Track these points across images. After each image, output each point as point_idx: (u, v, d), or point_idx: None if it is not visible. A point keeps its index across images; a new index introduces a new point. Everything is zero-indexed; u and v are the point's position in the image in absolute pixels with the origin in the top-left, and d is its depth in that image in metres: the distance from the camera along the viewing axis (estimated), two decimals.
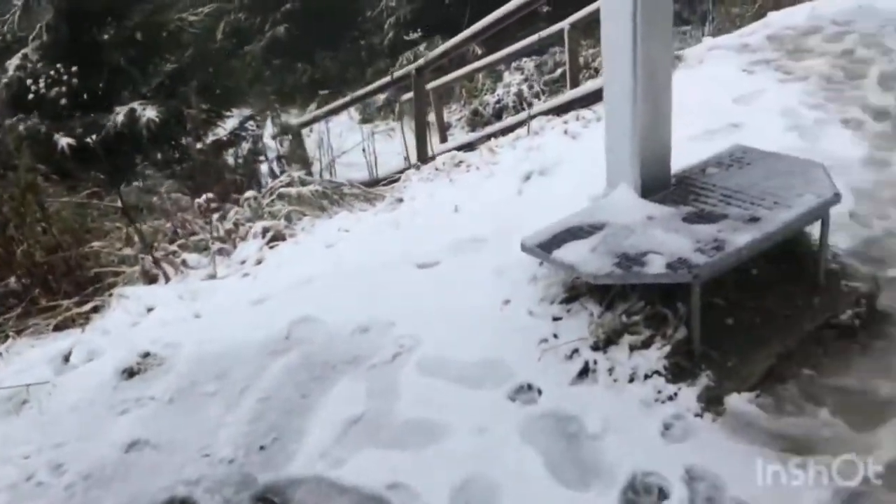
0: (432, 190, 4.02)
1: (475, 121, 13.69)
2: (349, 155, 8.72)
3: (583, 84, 7.24)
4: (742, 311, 2.42)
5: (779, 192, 2.47)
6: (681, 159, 3.02)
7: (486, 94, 13.89)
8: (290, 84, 17.16)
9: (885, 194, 3.24)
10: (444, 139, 10.77)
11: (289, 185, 4.22)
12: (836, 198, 2.43)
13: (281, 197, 4.14)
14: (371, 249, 3.28)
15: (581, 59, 10.93)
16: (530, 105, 11.29)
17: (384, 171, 7.86)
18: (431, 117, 11.87)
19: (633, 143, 2.51)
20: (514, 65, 12.68)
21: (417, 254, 3.13)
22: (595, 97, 5.51)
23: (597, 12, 8.12)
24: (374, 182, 8.48)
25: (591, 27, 8.84)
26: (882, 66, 4.69)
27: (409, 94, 10.50)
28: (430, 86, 10.01)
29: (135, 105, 7.13)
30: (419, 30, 15.28)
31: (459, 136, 12.52)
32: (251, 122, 9.40)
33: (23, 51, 7.63)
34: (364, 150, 7.25)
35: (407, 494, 1.97)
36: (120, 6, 7.99)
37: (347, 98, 9.85)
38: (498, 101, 12.65)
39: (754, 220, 2.35)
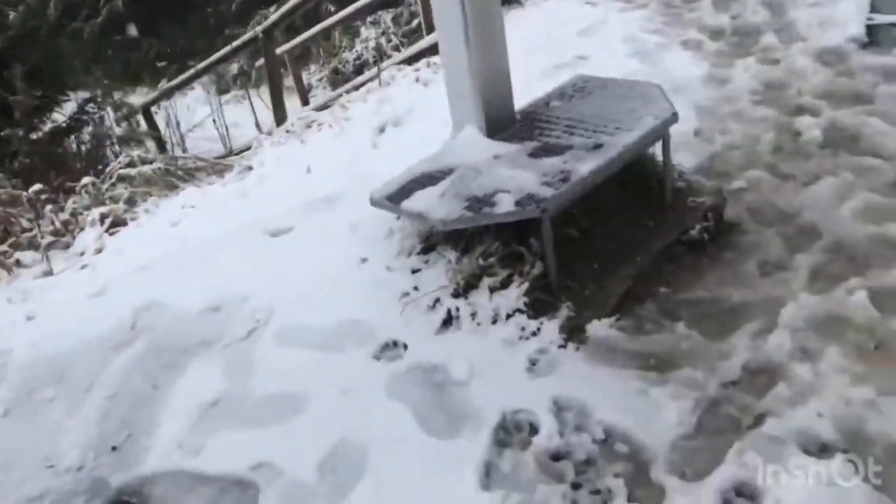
0: (283, 154, 3.84)
1: (336, 80, 13.34)
2: (208, 129, 8.32)
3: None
4: (596, 238, 2.42)
5: (620, 117, 2.48)
6: (530, 96, 3.01)
7: (344, 51, 13.59)
8: (136, 61, 16.16)
9: (725, 110, 3.34)
10: (305, 102, 10.41)
11: (129, 165, 3.91)
12: (674, 117, 2.45)
13: (122, 179, 3.85)
14: (219, 223, 3.09)
15: None
16: (390, 58, 11.15)
17: (244, 141, 7.55)
18: (291, 82, 11.50)
19: (473, 84, 2.44)
20: (369, 19, 12.41)
21: (269, 221, 2.97)
22: None
23: None
24: (228, 154, 8.12)
25: None
26: None
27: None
28: (281, 49, 9.63)
29: None
30: None
31: (322, 96, 12.20)
32: (91, 105, 8.76)
33: None
34: (214, 121, 6.88)
35: (272, 472, 1.87)
36: None
37: (192, 71, 9.31)
38: (357, 58, 12.35)
39: (598, 147, 2.34)
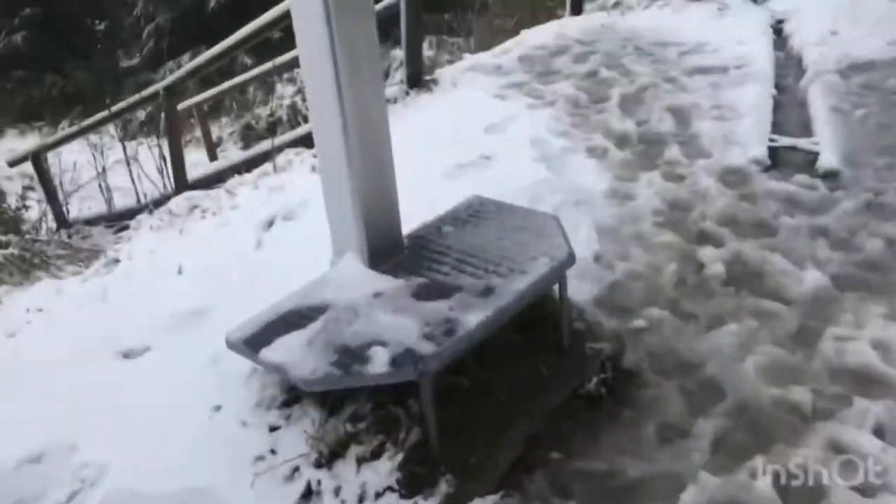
0: (157, 244, 3.47)
1: (248, 135, 12.99)
2: (116, 175, 7.88)
3: None
4: (486, 391, 2.18)
5: (514, 255, 2.26)
6: (430, 200, 2.80)
7: (258, 107, 13.25)
8: (37, 99, 15.31)
9: (628, 231, 3.20)
10: (213, 157, 9.99)
11: None
12: (570, 259, 2.26)
13: None
14: (65, 335, 2.69)
15: None
16: (305, 119, 10.86)
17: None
18: (199, 132, 11.04)
19: (355, 208, 2.18)
20: (286, 76, 12.16)
21: (123, 337, 2.61)
22: None
23: None
24: (115, 216, 7.63)
25: None
26: (623, 87, 4.79)
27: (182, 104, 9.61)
28: (189, 102, 9.26)
29: None
30: (180, 39, 14.22)
31: (232, 152, 11.76)
32: None
33: None
34: (100, 185, 6.45)
35: None
36: None
37: (98, 116, 8.75)
38: (271, 115, 12.07)
39: (488, 291, 2.11)
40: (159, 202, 6.93)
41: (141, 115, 13.25)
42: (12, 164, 9.39)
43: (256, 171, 4.31)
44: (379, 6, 7.16)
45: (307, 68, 2.11)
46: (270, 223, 3.49)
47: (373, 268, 2.25)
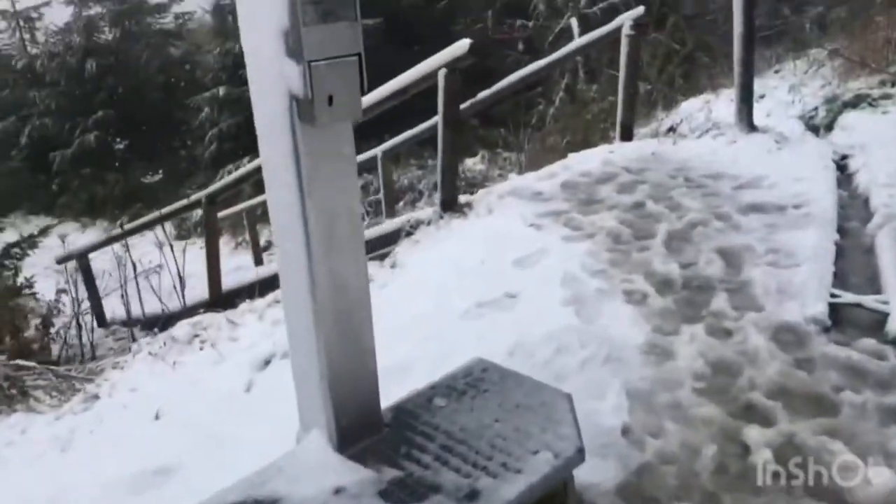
0: (144, 379, 3.22)
1: None
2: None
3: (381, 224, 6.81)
4: None
5: (511, 446, 1.89)
6: (439, 345, 2.47)
7: None
8: (100, 196, 15.83)
9: (663, 398, 2.78)
10: (258, 262, 9.95)
11: None
12: (579, 456, 1.87)
13: None
14: (8, 493, 2.40)
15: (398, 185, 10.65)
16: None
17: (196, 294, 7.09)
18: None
19: (322, 382, 1.86)
20: None
21: (70, 502, 2.29)
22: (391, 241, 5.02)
23: (407, 141, 7.81)
24: (150, 321, 7.55)
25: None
26: (670, 223, 4.45)
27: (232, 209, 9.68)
28: (239, 207, 9.40)
29: None
30: (241, 144, 14.61)
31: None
32: (17, 249, 8.22)
33: None
34: (137, 285, 6.40)
35: None
36: None
37: (139, 221, 8.86)
38: None
39: (472, 496, 1.73)
40: (193, 308, 6.82)
41: (197, 214, 13.56)
42: (60, 261, 9.55)
43: (270, 296, 4.07)
44: (422, 126, 7.15)
45: (276, 228, 1.85)
46: (267, 362, 3.21)
47: (341, 449, 1.90)
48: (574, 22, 13.62)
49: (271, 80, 1.67)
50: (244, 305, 4.06)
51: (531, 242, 4.23)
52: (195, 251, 12.56)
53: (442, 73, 4.67)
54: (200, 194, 7.50)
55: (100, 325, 8.78)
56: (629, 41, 6.43)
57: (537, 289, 3.62)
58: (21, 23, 17.68)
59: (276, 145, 1.73)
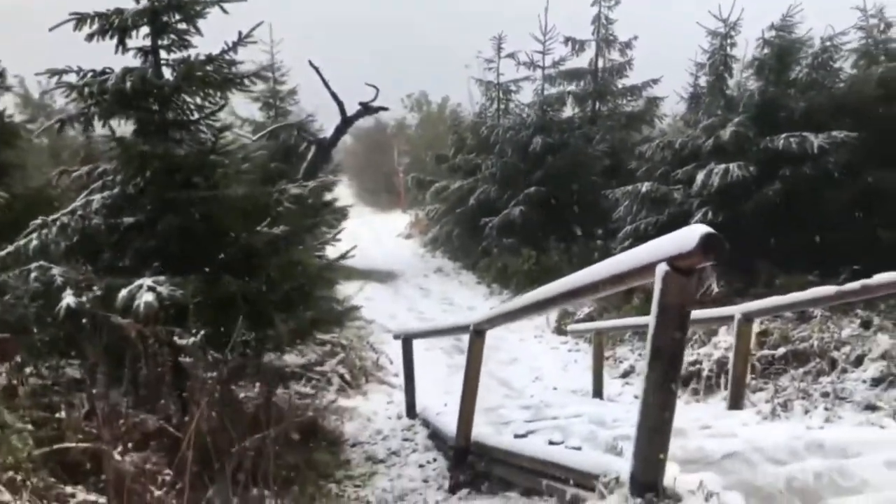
0: None
1: None
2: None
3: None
4: None
5: None
6: None
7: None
8: (511, 268, 15.93)
9: None
10: (738, 405, 6.34)
11: None
12: None
13: None
14: None
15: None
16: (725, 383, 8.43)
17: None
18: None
19: None
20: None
21: None
22: None
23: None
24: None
25: None
26: None
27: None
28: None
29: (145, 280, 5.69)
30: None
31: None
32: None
33: None
34: None
35: None
36: None
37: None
38: (694, 363, 9.88)
39: None
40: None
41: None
42: (396, 337, 9.44)
43: None
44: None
45: None
46: None
47: None
48: None
49: None
50: None
51: None
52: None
53: (661, 272, 2.74)
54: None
55: (409, 415, 8.15)
56: None
57: None
58: (501, 94, 19.02)
59: None
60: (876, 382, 7.13)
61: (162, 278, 5.62)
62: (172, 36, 6.48)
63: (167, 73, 6.58)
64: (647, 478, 2.88)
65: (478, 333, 5.90)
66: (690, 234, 2.55)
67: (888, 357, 7.24)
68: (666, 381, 2.81)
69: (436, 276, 18.33)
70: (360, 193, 35.02)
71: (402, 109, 33.09)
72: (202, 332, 4.94)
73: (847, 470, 3.07)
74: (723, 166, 11.08)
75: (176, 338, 4.55)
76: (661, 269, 2.73)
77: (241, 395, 5.89)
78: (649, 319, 2.82)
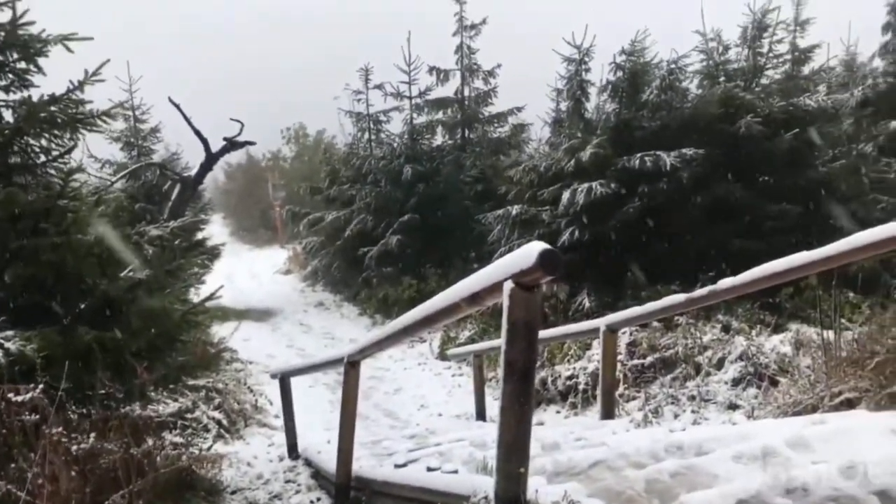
0: None
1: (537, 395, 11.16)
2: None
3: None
4: None
5: None
6: None
7: (569, 360, 11.52)
8: (392, 297, 15.92)
9: None
10: (610, 414, 6.65)
11: None
12: None
13: None
14: None
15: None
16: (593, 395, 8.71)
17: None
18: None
19: None
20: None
21: None
22: None
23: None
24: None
25: None
26: None
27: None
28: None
29: None
30: None
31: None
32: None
33: None
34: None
35: None
36: None
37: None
38: (571, 377, 10.18)
39: None
40: None
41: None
42: (273, 376, 9.14)
43: None
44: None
45: None
46: None
47: None
48: None
49: None
50: None
51: None
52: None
53: (507, 289, 2.82)
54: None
55: (291, 455, 7.90)
56: None
57: None
58: (371, 125, 19.08)
59: None
60: (736, 383, 7.60)
61: (10, 333, 5.27)
62: (10, 76, 6.11)
63: (7, 115, 6.19)
64: (509, 493, 2.93)
65: (352, 365, 5.84)
66: (530, 252, 2.65)
67: (745, 358, 7.73)
68: (520, 396, 2.88)
69: (316, 310, 18.06)
70: (237, 232, 34.13)
71: (279, 142, 32.73)
72: (63, 387, 4.63)
73: (699, 466, 3.25)
74: (586, 185, 11.57)
75: (11, 395, 4.24)
76: (508, 286, 2.82)
77: (109, 447, 5.55)
78: (503, 334, 2.89)
